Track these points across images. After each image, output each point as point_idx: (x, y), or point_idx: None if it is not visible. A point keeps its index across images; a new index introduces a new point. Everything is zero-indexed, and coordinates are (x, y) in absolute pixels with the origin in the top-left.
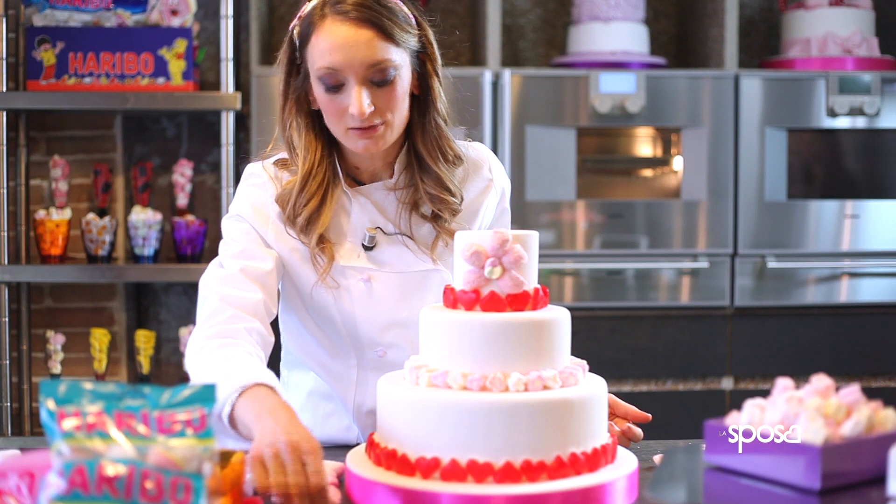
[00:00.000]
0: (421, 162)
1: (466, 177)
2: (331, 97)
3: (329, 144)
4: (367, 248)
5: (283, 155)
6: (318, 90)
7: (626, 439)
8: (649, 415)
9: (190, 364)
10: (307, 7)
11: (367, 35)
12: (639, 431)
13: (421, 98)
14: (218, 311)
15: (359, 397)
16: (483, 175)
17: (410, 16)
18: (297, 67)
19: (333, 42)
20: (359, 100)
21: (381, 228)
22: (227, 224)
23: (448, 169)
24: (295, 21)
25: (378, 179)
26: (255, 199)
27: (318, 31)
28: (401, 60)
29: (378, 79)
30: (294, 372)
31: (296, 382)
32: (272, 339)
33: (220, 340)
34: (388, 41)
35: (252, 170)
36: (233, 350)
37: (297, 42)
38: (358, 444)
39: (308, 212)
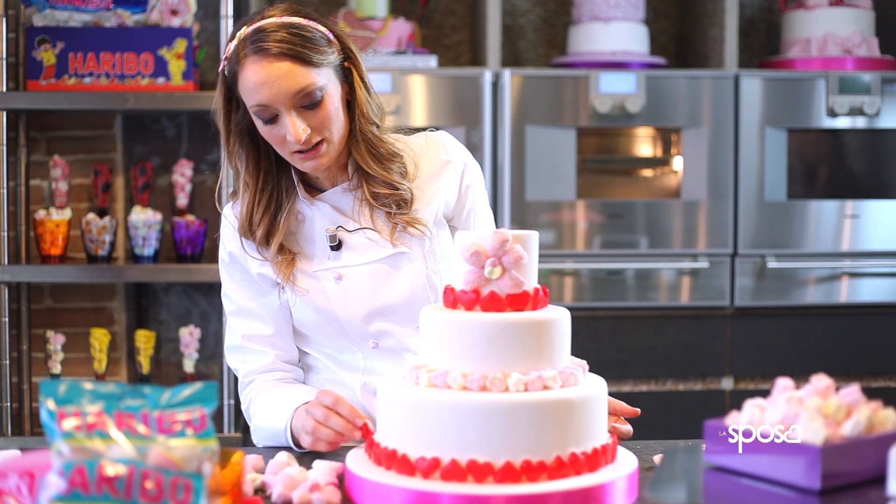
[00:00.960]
0: (358, 163)
1: (416, 166)
2: (269, 128)
3: (277, 166)
4: (334, 249)
5: None
6: (256, 123)
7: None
8: (638, 409)
9: (250, 409)
10: (230, 47)
11: (285, 67)
12: (627, 428)
13: (350, 105)
14: (247, 381)
15: (364, 379)
16: (439, 158)
17: (328, 33)
18: (234, 102)
19: (256, 80)
20: (293, 128)
21: (342, 227)
22: (221, 271)
23: (385, 167)
24: (223, 61)
25: (337, 182)
26: (228, 243)
27: (242, 71)
28: (325, 79)
29: (306, 103)
30: (306, 373)
31: (308, 381)
32: (300, 371)
33: (258, 398)
34: (308, 66)
35: (223, 213)
36: (273, 391)
37: (227, 81)
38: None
39: (262, 230)
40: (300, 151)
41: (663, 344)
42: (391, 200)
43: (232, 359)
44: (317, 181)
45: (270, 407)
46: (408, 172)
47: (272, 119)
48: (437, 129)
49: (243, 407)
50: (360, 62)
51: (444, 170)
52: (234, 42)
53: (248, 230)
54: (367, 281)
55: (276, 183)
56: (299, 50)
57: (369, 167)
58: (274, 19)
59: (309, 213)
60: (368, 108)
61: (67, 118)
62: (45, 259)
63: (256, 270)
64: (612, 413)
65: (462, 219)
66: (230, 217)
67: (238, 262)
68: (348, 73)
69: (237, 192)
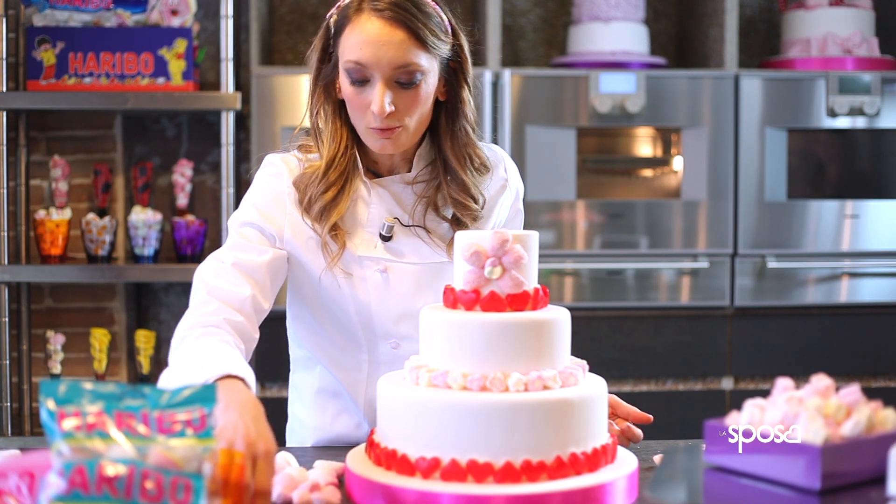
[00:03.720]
0: (448, 166)
1: (490, 181)
2: (355, 91)
3: (353, 135)
4: (385, 239)
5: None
6: (343, 82)
7: (625, 439)
8: (651, 416)
9: (171, 353)
10: None
11: (399, 36)
12: (638, 432)
13: (449, 105)
14: (204, 303)
15: (370, 391)
16: (499, 175)
17: (446, 22)
18: (328, 55)
19: (365, 38)
20: (381, 98)
21: (398, 219)
22: (232, 222)
23: (473, 175)
24: (333, 10)
25: (395, 173)
26: (270, 191)
27: (352, 24)
28: (429, 66)
29: (403, 80)
30: (301, 373)
31: (303, 382)
32: (256, 335)
33: (201, 330)
34: (419, 45)
35: (269, 160)
36: (211, 339)
37: (331, 30)
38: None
39: (325, 200)
40: (376, 128)
41: (663, 344)
42: (466, 213)
43: (205, 281)
44: (376, 166)
45: (194, 361)
46: (486, 187)
47: (362, 82)
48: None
49: (176, 331)
50: (469, 63)
51: (503, 189)
52: None
53: (307, 196)
54: (410, 280)
55: (352, 153)
56: (419, 27)
57: (463, 170)
58: None
59: (366, 196)
60: (471, 110)
61: (67, 118)
62: (45, 259)
63: (297, 234)
64: (625, 418)
65: None
66: (283, 171)
67: (274, 222)
68: (453, 71)
69: (309, 148)
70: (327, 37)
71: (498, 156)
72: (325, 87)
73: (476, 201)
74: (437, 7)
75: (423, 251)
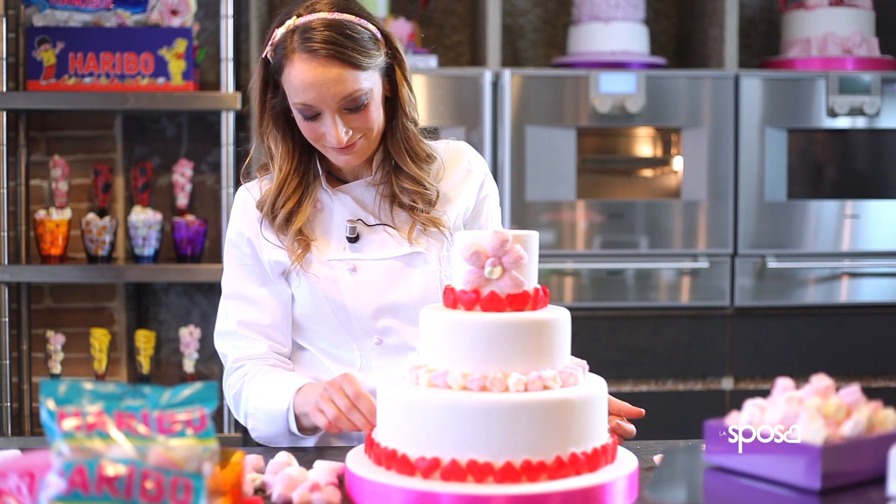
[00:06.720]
0: (394, 161)
1: (443, 170)
2: (309, 125)
3: (307, 150)
4: (351, 241)
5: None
6: (297, 117)
7: (617, 436)
8: (642, 410)
9: (242, 402)
10: (277, 34)
11: (335, 71)
12: (630, 427)
13: (391, 102)
14: (237, 366)
15: (360, 379)
16: (462, 166)
17: (377, 32)
18: (272, 86)
19: (304, 81)
20: (336, 131)
21: (362, 220)
22: (226, 252)
23: (419, 166)
24: (267, 47)
25: (360, 175)
26: (240, 222)
27: (289, 66)
28: (371, 82)
29: (351, 107)
30: (294, 365)
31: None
32: (288, 346)
33: (254, 381)
34: (357, 70)
35: (237, 194)
36: (267, 376)
37: (270, 66)
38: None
39: (286, 210)
40: (336, 148)
41: (663, 344)
42: (417, 198)
43: (223, 343)
44: (339, 172)
45: (270, 389)
46: (438, 175)
47: (314, 116)
48: (435, 129)
49: (231, 392)
50: (404, 60)
51: (466, 178)
52: (281, 31)
53: (270, 211)
54: (380, 276)
55: (307, 167)
56: (349, 54)
57: (405, 164)
58: (324, 15)
59: (329, 203)
60: (410, 106)
61: (67, 118)
62: (45, 259)
63: (270, 257)
64: (616, 414)
65: (476, 227)
66: (248, 199)
67: (250, 245)
68: (391, 70)
69: (268, 167)
70: (267, 71)
71: (462, 150)
72: (275, 114)
73: (426, 188)
74: (362, 21)
75: (389, 246)
